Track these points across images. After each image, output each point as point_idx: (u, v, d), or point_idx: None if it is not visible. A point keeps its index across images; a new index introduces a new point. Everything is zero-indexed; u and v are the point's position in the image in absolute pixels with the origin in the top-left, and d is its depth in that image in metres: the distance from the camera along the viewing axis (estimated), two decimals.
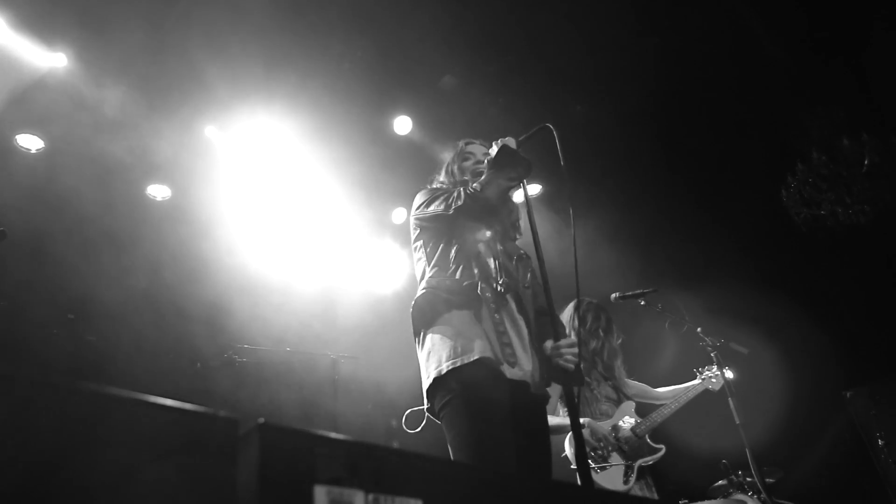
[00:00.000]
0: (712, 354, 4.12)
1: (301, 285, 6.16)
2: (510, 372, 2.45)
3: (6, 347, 4.90)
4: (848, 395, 5.48)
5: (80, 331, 5.32)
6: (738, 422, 3.58)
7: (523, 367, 2.49)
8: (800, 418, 5.47)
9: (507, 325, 2.55)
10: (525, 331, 2.60)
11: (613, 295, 4.28)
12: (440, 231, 2.77)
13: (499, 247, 2.77)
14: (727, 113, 6.02)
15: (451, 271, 2.64)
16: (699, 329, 4.12)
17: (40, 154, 5.53)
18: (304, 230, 6.35)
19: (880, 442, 5.05)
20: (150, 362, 5.37)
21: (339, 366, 4.90)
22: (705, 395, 4.37)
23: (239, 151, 6.01)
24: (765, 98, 5.97)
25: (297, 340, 5.40)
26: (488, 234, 2.77)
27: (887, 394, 5.25)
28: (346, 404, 5.01)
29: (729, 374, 4.27)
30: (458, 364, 2.41)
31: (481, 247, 2.71)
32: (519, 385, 2.46)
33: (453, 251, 2.69)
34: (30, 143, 5.50)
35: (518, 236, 2.96)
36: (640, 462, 4.07)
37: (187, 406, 0.93)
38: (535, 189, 6.31)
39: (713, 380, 4.30)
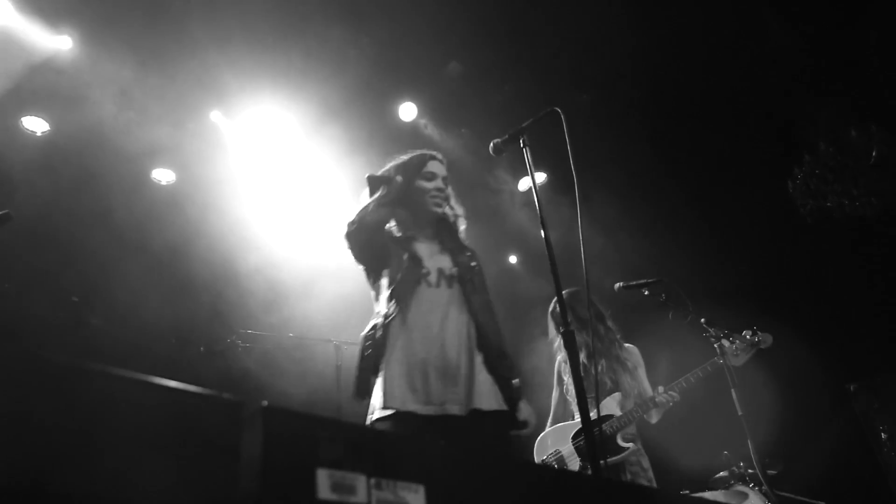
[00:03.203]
0: (716, 346, 4.09)
1: (304, 271, 6.17)
2: (423, 409, 2.53)
3: (11, 330, 4.93)
4: (851, 388, 5.47)
5: (85, 314, 5.34)
6: (740, 413, 3.56)
7: (434, 400, 2.55)
8: (803, 411, 5.47)
9: (414, 361, 2.59)
10: (436, 359, 2.62)
11: (617, 284, 4.24)
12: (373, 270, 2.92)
13: (422, 269, 2.80)
14: (735, 103, 5.98)
15: (372, 320, 2.79)
16: (703, 320, 4.09)
17: (45, 137, 5.54)
18: (308, 216, 6.34)
19: (883, 435, 5.05)
20: (153, 346, 5.40)
21: (342, 352, 4.91)
22: (706, 387, 4.31)
23: (244, 137, 6.01)
24: (773, 88, 5.94)
25: (300, 326, 5.42)
26: (406, 256, 2.81)
27: (891, 387, 5.25)
28: (349, 391, 5.02)
29: (769, 339, 4.06)
30: (376, 418, 2.56)
31: (386, 282, 2.78)
32: (435, 420, 2.52)
33: (380, 291, 2.84)
34: (35, 125, 5.51)
35: (462, 245, 2.99)
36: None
37: (191, 388, 0.93)
38: (540, 177, 6.29)
39: (736, 353, 4.01)
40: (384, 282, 2.81)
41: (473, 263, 2.91)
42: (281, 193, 6.25)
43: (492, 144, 2.88)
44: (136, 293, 5.46)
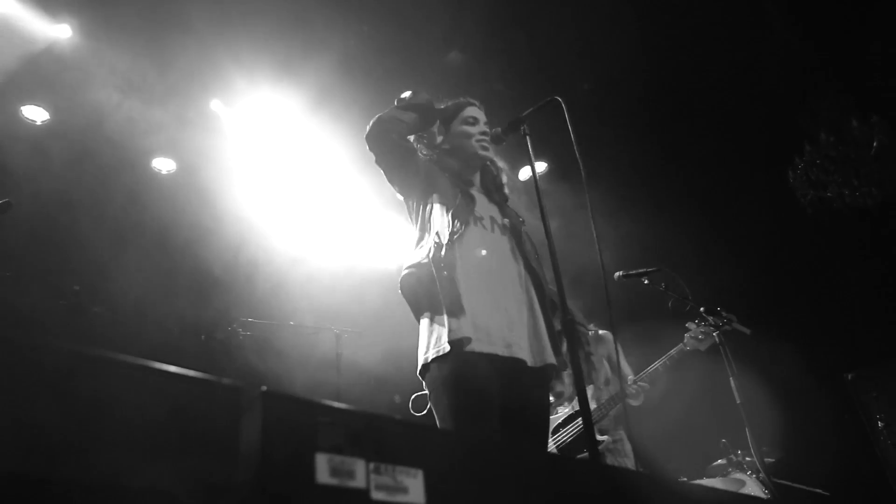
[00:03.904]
0: (714, 335, 4.09)
1: (306, 259, 6.18)
2: (502, 350, 2.41)
3: (12, 318, 4.93)
4: (849, 377, 5.49)
5: (86, 302, 5.34)
6: (738, 401, 3.58)
7: (508, 341, 2.43)
8: (801, 399, 5.48)
9: (485, 297, 2.46)
10: (495, 302, 2.50)
11: (617, 273, 4.24)
12: (412, 189, 2.76)
13: (474, 212, 2.70)
14: (737, 93, 5.96)
15: (424, 243, 2.60)
16: (702, 309, 4.10)
17: (45, 125, 5.53)
18: (310, 204, 6.35)
19: (880, 424, 5.06)
20: (154, 334, 5.41)
21: (343, 340, 4.92)
22: (707, 375, 4.31)
23: (244, 125, 6.00)
24: (774, 78, 5.92)
25: (301, 314, 5.43)
26: (451, 189, 2.70)
27: (888, 376, 5.26)
28: (349, 380, 5.04)
29: (732, 319, 4.04)
30: (438, 354, 2.39)
31: (445, 210, 2.61)
32: (507, 362, 2.41)
33: (427, 216, 2.65)
34: (35, 114, 5.50)
35: (506, 201, 2.91)
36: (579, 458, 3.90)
37: (191, 373, 0.93)
38: (540, 166, 6.28)
39: (700, 336, 4.01)
40: (432, 206, 2.66)
41: (521, 219, 2.85)
42: (281, 182, 6.25)
43: (492, 133, 2.88)
44: (136, 282, 5.47)
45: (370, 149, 2.73)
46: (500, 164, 2.99)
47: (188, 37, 5.27)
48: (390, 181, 2.81)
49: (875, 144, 5.72)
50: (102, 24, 5.22)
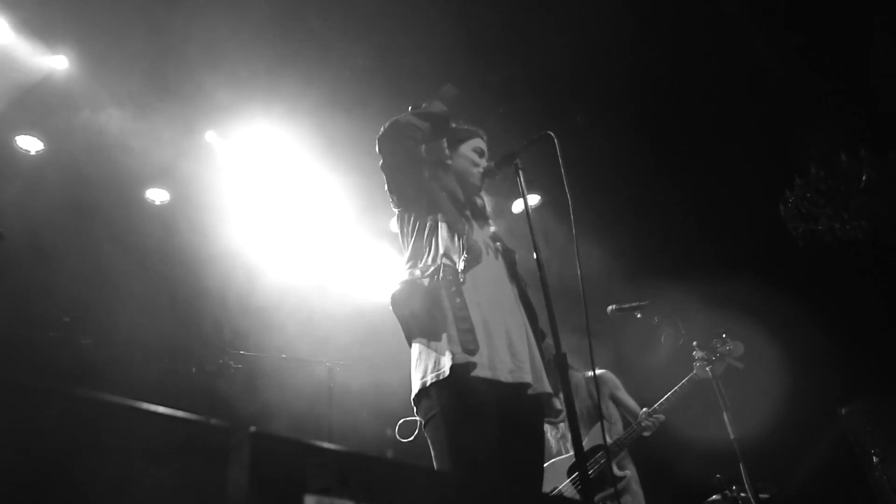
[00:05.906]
0: (707, 369, 4.08)
1: (298, 291, 6.16)
2: (505, 376, 2.37)
3: (2, 350, 4.89)
4: (843, 411, 5.46)
5: (76, 334, 5.31)
6: (732, 436, 3.56)
7: (511, 366, 2.39)
8: (795, 434, 5.45)
9: (490, 321, 2.43)
10: (512, 322, 2.48)
11: (610, 307, 4.26)
12: (413, 202, 2.71)
13: (478, 235, 2.69)
14: (727, 126, 6.03)
15: (423, 262, 2.55)
16: (695, 342, 4.11)
17: (40, 156, 5.54)
18: (303, 236, 6.35)
19: (875, 459, 5.03)
20: (145, 367, 5.37)
21: (335, 373, 4.89)
22: (698, 410, 4.29)
23: (239, 157, 6.03)
24: (764, 113, 5.99)
25: (293, 347, 5.40)
26: (454, 211, 2.66)
27: (883, 410, 5.23)
28: (341, 412, 5.00)
29: (739, 347, 4.04)
30: (438, 378, 2.33)
31: (457, 234, 2.57)
32: (509, 388, 2.37)
33: (428, 233, 2.60)
34: (29, 144, 5.52)
35: (490, 226, 2.89)
36: (598, 499, 3.85)
37: (179, 413, 0.93)
38: (534, 199, 6.32)
39: (707, 368, 3.96)
40: (436, 225, 2.59)
41: (511, 249, 2.82)
42: (275, 214, 6.25)
43: (485, 167, 2.89)
44: (128, 313, 5.43)
45: (380, 150, 2.68)
46: (486, 198, 3.00)
47: (183, 69, 5.31)
48: (391, 189, 2.75)
49: (864, 178, 5.78)
50: (98, 55, 5.26)
